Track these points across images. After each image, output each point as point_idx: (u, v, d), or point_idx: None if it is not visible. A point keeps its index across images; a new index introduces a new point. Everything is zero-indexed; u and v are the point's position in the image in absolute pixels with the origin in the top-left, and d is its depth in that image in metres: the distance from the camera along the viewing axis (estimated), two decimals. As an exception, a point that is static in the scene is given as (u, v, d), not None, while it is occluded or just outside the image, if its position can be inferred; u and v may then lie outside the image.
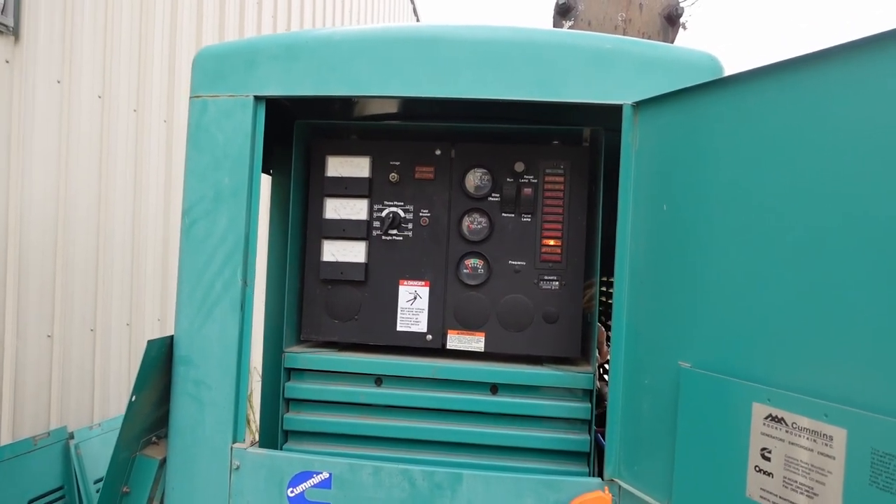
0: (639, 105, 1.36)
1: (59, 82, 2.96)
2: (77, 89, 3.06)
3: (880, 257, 0.90)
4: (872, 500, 0.88)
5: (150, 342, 1.43)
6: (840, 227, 0.96)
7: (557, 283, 1.60)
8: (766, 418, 1.04)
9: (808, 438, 0.97)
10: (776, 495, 1.02)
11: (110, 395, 3.40)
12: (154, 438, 1.58)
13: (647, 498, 1.29)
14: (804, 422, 0.98)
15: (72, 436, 3.03)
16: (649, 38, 2.03)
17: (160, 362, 1.48)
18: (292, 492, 1.42)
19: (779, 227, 1.05)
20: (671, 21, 2.01)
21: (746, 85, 1.11)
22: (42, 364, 2.95)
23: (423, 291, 1.63)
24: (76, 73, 3.05)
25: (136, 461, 1.53)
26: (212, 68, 1.52)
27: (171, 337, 1.51)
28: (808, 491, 0.97)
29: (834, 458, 0.93)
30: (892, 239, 0.89)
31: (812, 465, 0.96)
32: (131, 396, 1.42)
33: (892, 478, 0.85)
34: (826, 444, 0.94)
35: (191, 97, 1.53)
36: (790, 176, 1.03)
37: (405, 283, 1.64)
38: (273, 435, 1.68)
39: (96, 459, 3.10)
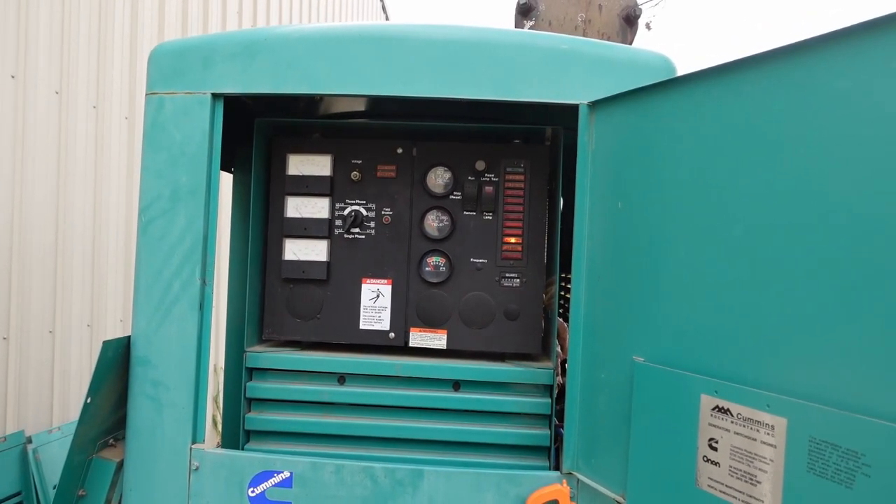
0: (594, 105, 1.39)
1: (13, 77, 2.88)
2: (33, 84, 2.98)
3: (819, 253, 0.94)
4: (810, 486, 0.91)
5: (105, 343, 1.41)
6: (780, 224, 0.99)
7: (518, 280, 1.62)
8: (714, 409, 1.07)
9: (751, 428, 1.00)
10: (723, 484, 1.05)
11: (70, 398, 3.33)
12: (111, 441, 1.56)
13: (603, 490, 1.32)
14: (748, 412, 1.01)
15: (30, 440, 2.96)
16: (608, 38, 2.07)
17: (117, 363, 1.46)
18: (253, 492, 1.42)
19: (724, 224, 1.08)
20: (629, 22, 2.05)
21: (694, 85, 1.14)
22: (-2, 367, 2.87)
23: (386, 289, 1.64)
24: (31, 67, 2.97)
25: (92, 463, 1.50)
26: (168, 65, 1.50)
27: (129, 337, 1.49)
28: (751, 479, 1.00)
29: (775, 447, 0.97)
30: (826, 235, 0.93)
31: (755, 454, 1.00)
32: (86, 398, 1.40)
33: (828, 464, 0.89)
34: (768, 434, 0.98)
35: (147, 94, 1.50)
36: (734, 174, 1.07)
37: (368, 281, 1.64)
38: (235, 435, 1.67)
39: (55, 464, 3.03)
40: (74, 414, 3.33)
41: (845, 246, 0.91)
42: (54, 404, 3.22)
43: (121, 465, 1.51)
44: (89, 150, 3.38)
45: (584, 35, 2.08)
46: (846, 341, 0.90)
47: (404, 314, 1.63)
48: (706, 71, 1.12)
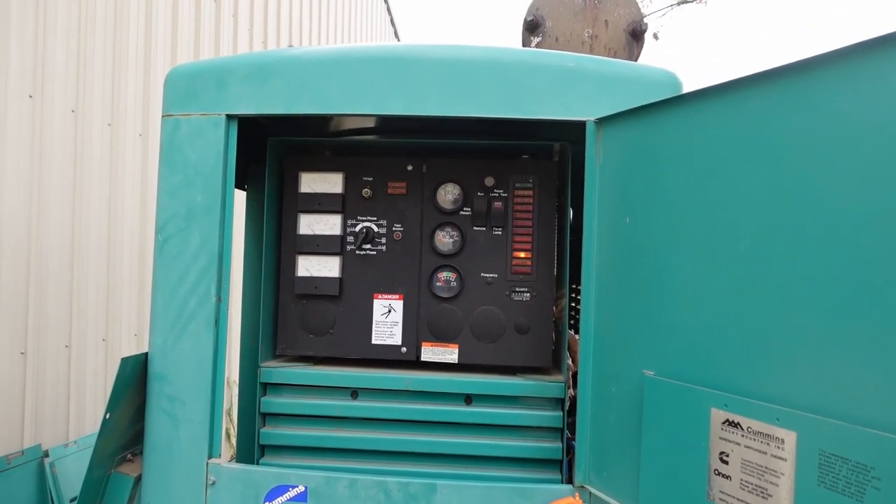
0: (601, 121, 1.41)
1: (30, 96, 2.95)
2: (50, 103, 3.05)
3: (825, 266, 0.95)
4: (821, 499, 0.92)
5: (123, 359, 1.44)
6: (785, 237, 1.01)
7: (528, 294, 1.63)
8: (724, 423, 1.08)
9: (761, 442, 1.01)
10: (734, 497, 1.06)
11: (86, 412, 3.37)
12: (129, 456, 1.58)
13: (615, 503, 1.32)
14: (758, 426, 1.02)
15: (46, 454, 2.99)
16: (615, 53, 2.09)
17: (134, 379, 1.49)
18: (268, 506, 1.43)
19: (730, 238, 1.09)
20: (636, 36, 2.08)
21: (698, 103, 1.16)
22: (15, 381, 2.92)
23: (398, 305, 1.66)
24: (48, 86, 3.04)
25: (111, 478, 1.53)
26: (183, 87, 1.54)
27: (146, 354, 1.52)
28: (762, 492, 1.01)
29: (785, 460, 0.97)
30: (832, 248, 0.94)
31: (766, 468, 1.01)
32: (105, 413, 1.43)
33: (838, 478, 0.90)
34: (778, 447, 0.99)
35: (163, 116, 1.54)
36: (739, 189, 1.08)
37: (379, 296, 1.67)
38: (250, 450, 1.69)
39: (72, 477, 3.06)
40: (90, 427, 3.37)
41: (851, 259, 0.92)
42: (70, 418, 3.26)
43: (138, 479, 1.53)
44: (104, 166, 3.45)
45: (590, 50, 2.10)
46: (854, 354, 0.91)
47: (416, 329, 1.65)
48: (710, 89, 1.14)
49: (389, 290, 1.66)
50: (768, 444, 1.00)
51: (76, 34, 3.21)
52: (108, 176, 3.48)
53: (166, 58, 3.98)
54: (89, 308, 3.36)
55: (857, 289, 0.91)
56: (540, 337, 1.63)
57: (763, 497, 1.00)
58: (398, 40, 11.80)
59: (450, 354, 1.64)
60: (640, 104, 1.31)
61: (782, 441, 0.98)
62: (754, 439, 1.02)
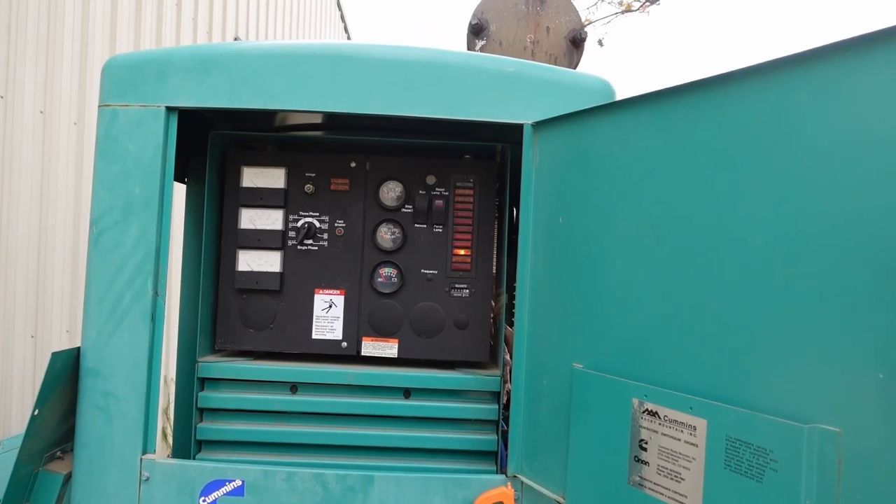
0: (538, 125, 1.47)
1: (-45, 81, 2.80)
2: (-24, 89, 2.91)
3: (731, 268, 1.03)
4: (727, 481, 1.00)
5: (54, 354, 1.40)
6: (699, 243, 1.08)
7: (468, 290, 1.68)
8: (644, 412, 1.15)
9: (676, 429, 1.09)
10: (651, 482, 1.13)
11: (12, 412, 3.22)
12: (59, 453, 1.54)
13: (545, 491, 1.38)
14: (673, 414, 1.09)
15: (-32, 455, 2.85)
16: (556, 59, 2.17)
17: (66, 374, 1.45)
18: (204, 500, 1.43)
19: (653, 242, 1.17)
20: (576, 44, 2.16)
21: (626, 111, 1.23)
22: (-65, 380, 2.77)
23: (339, 300, 1.68)
24: (-25, 72, 2.89)
25: (38, 476, 1.48)
26: (122, 77, 1.51)
27: (78, 348, 1.48)
28: (676, 476, 1.08)
29: (697, 446, 1.05)
30: (736, 254, 1.02)
31: (679, 453, 1.08)
32: (34, 410, 1.39)
33: (742, 461, 0.98)
34: (691, 434, 1.06)
35: (100, 106, 1.51)
36: (661, 193, 1.15)
37: (320, 291, 1.68)
38: (186, 445, 1.68)
39: (-4, 479, 2.93)
40: (16, 428, 3.23)
41: (752, 262, 1.00)
42: (-5, 418, 3.12)
43: (68, 477, 1.49)
44: (36, 155, 3.30)
45: (532, 56, 2.17)
46: (755, 348, 0.99)
47: (357, 324, 1.67)
48: (637, 98, 1.21)
49: (331, 285, 1.68)
50: (682, 431, 1.08)
51: (6, 15, 3.07)
52: (39, 165, 3.33)
53: (104, 45, 3.84)
54: (17, 303, 3.22)
55: (758, 286, 0.99)
56: (478, 332, 1.67)
57: (677, 481, 1.08)
58: (349, 38, 11.71)
59: (390, 349, 1.67)
60: (575, 110, 1.38)
61: (694, 428, 1.06)
62: (670, 427, 1.10)
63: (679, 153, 1.13)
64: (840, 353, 0.89)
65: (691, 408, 1.06)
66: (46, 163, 3.38)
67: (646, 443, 1.14)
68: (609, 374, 1.24)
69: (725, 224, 1.04)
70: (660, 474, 1.11)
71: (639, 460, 1.16)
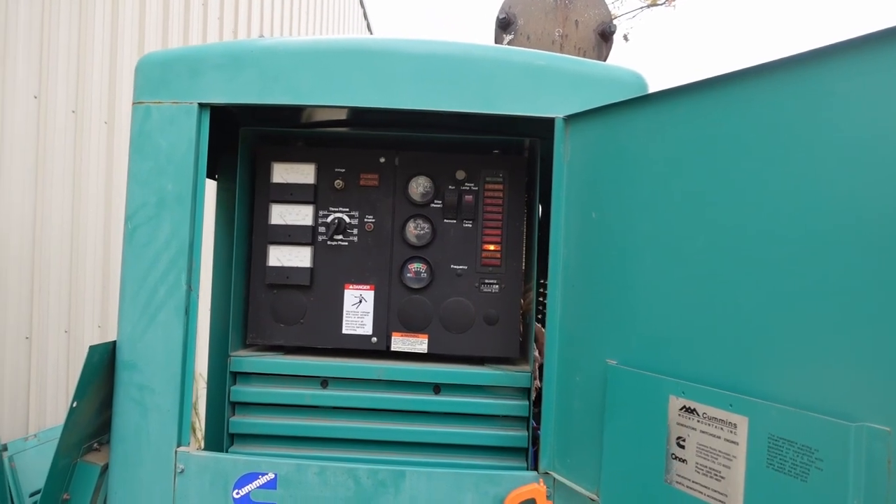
0: (569, 119, 1.45)
1: (-8, 82, 2.87)
2: (11, 89, 2.97)
3: (768, 263, 1.01)
4: (769, 480, 0.98)
5: (91, 347, 1.43)
6: (736, 235, 1.06)
7: (497, 286, 1.67)
8: (682, 409, 1.13)
9: (715, 426, 1.07)
10: (690, 480, 1.11)
11: (47, 405, 3.30)
12: (95, 445, 1.57)
13: (578, 488, 1.37)
14: (713, 412, 1.07)
15: (5, 447, 2.92)
16: (585, 53, 2.14)
17: (102, 368, 1.48)
18: (238, 493, 1.44)
19: (689, 234, 1.15)
20: (605, 37, 2.13)
21: (662, 103, 1.20)
22: (-27, 373, 2.85)
23: (368, 295, 1.68)
24: (10, 72, 2.96)
25: (76, 468, 1.51)
26: (155, 75, 1.53)
27: (114, 342, 1.51)
28: (716, 475, 1.06)
29: (738, 444, 1.03)
30: (776, 246, 0.99)
31: (719, 451, 1.06)
32: (72, 402, 1.41)
33: (785, 459, 0.95)
34: (731, 432, 1.04)
35: (134, 103, 1.53)
36: (698, 187, 1.13)
37: (350, 286, 1.68)
38: (219, 439, 1.69)
39: (31, 472, 3.00)
40: (51, 421, 3.31)
41: (798, 255, 0.97)
42: (30, 411, 3.19)
43: (105, 468, 1.52)
44: (68, 154, 3.37)
45: (561, 49, 2.15)
46: (799, 344, 0.97)
47: (386, 319, 1.68)
48: (673, 90, 1.18)
49: (360, 280, 1.68)
50: (722, 428, 1.06)
51: (39, 18, 3.13)
52: (71, 164, 3.40)
53: (133, 45, 3.90)
54: (51, 299, 3.29)
55: (805, 284, 0.96)
56: (508, 328, 1.66)
57: (717, 479, 1.06)
58: (371, 34, 11.74)
59: (419, 344, 1.67)
60: (607, 103, 1.36)
61: (735, 426, 1.03)
62: (710, 425, 1.08)
63: (716, 146, 1.11)
64: (890, 349, 0.86)
65: (731, 405, 1.04)
66: (78, 161, 3.45)
67: (683, 440, 1.12)
68: (644, 370, 1.22)
69: (765, 217, 1.02)
70: (698, 472, 1.09)
71: (676, 458, 1.14)
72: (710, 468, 1.07)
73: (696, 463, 1.10)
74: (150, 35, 4.07)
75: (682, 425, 1.13)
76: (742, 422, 1.02)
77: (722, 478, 1.05)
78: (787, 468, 0.95)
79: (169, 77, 1.52)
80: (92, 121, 3.54)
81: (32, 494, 2.96)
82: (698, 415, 1.10)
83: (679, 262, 1.16)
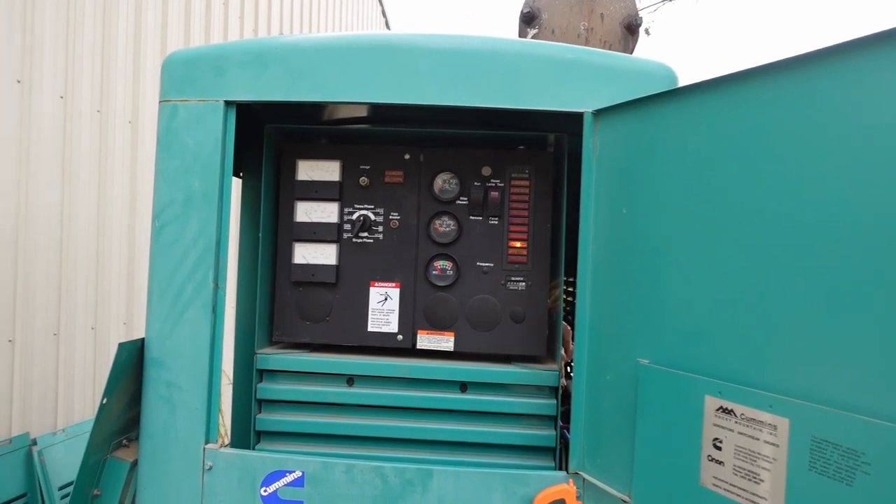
0: (598, 113, 1.42)
1: (18, 82, 2.91)
2: (38, 89, 3.01)
3: (815, 257, 0.97)
4: (811, 484, 0.95)
5: (121, 344, 1.43)
6: (779, 229, 1.03)
7: (524, 283, 1.65)
8: (718, 410, 1.10)
9: (754, 428, 1.04)
10: (727, 482, 1.08)
11: (75, 400, 3.35)
12: (125, 441, 1.58)
13: (609, 489, 1.35)
14: (751, 412, 1.04)
15: (34, 442, 2.98)
16: (610, 46, 2.11)
17: (131, 365, 1.49)
18: (265, 491, 1.44)
19: (725, 230, 1.11)
20: (631, 30, 2.09)
21: (696, 95, 1.17)
22: (3, 369, 2.89)
23: (394, 293, 1.67)
24: (37, 72, 3.00)
25: (106, 463, 1.53)
26: (181, 73, 1.53)
27: (142, 339, 1.52)
28: (755, 477, 1.04)
29: (778, 446, 1.00)
30: (823, 240, 0.96)
31: (758, 453, 1.03)
32: (102, 399, 1.42)
33: (829, 463, 0.92)
34: (771, 433, 1.01)
35: (160, 101, 1.53)
36: (735, 180, 1.10)
37: (376, 284, 1.67)
38: (245, 436, 1.70)
39: (60, 465, 3.05)
40: (79, 416, 3.36)
41: (842, 250, 0.94)
42: (59, 406, 3.24)
43: (134, 464, 1.53)
44: (93, 153, 3.41)
45: (586, 43, 2.11)
46: (845, 343, 0.93)
47: (412, 317, 1.66)
48: (707, 82, 1.15)
49: (386, 277, 1.67)
50: (761, 430, 1.03)
51: (65, 19, 3.17)
52: (97, 163, 3.44)
53: (156, 44, 3.94)
54: (78, 296, 3.33)
55: (848, 279, 0.93)
56: (535, 326, 1.64)
57: (755, 482, 1.03)
58: (388, 29, 11.74)
59: (445, 342, 1.66)
60: (636, 97, 1.33)
61: (775, 427, 1.01)
62: (747, 426, 1.05)
63: (754, 139, 1.08)
64: (943, 349, 0.83)
65: (771, 406, 1.01)
66: (103, 161, 3.49)
67: (720, 441, 1.09)
68: (677, 369, 1.20)
69: (808, 211, 0.99)
70: (736, 475, 1.07)
71: (712, 459, 1.11)
72: (748, 471, 1.05)
73: (734, 465, 1.07)
74: (172, 34, 4.10)
75: (718, 426, 1.10)
76: (783, 423, 0.99)
77: (761, 481, 1.02)
78: (830, 472, 0.92)
79: (195, 75, 1.52)
80: (116, 120, 3.58)
81: (61, 488, 3.01)
82: (736, 416, 1.07)
83: (715, 257, 1.13)
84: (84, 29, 3.30)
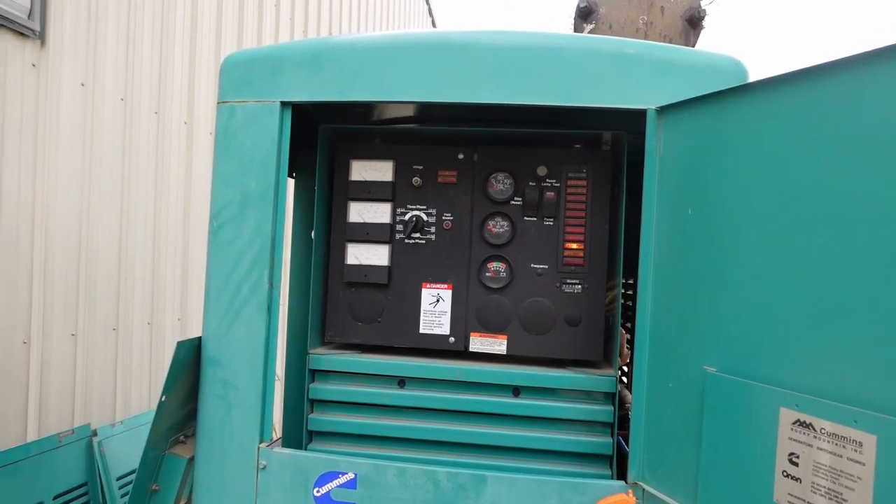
0: (663, 110, 1.37)
1: (83, 85, 3.02)
2: (101, 92, 3.12)
3: (911, 264, 0.90)
4: (903, 506, 0.88)
5: (179, 343, 1.46)
6: (864, 231, 0.96)
7: (580, 286, 1.60)
8: (794, 423, 1.04)
9: (836, 444, 0.97)
10: (804, 500, 1.02)
11: (132, 393, 3.46)
12: (182, 437, 1.61)
13: (671, 501, 1.29)
14: (833, 427, 0.98)
15: (95, 433, 3.08)
16: (671, 40, 2.03)
17: (189, 363, 1.51)
18: (318, 492, 1.44)
19: (804, 232, 1.05)
20: (693, 24, 2.01)
21: (770, 91, 1.11)
22: (66, 363, 3.01)
23: (446, 294, 1.65)
24: (100, 76, 3.10)
25: (164, 459, 1.56)
26: (238, 75, 1.54)
27: (200, 338, 1.54)
28: (836, 496, 0.97)
29: (864, 465, 0.93)
30: (923, 246, 0.89)
31: (841, 471, 0.97)
32: (161, 397, 1.45)
33: (923, 485, 0.85)
34: (855, 451, 0.95)
35: (218, 103, 1.55)
36: (814, 181, 1.03)
37: (428, 285, 1.66)
38: (298, 436, 1.71)
39: (119, 456, 3.15)
40: (136, 408, 3.47)
41: (942, 257, 0.87)
42: (117, 399, 3.35)
43: (191, 461, 1.56)
44: (151, 154, 3.51)
45: (645, 37, 2.04)
46: (943, 357, 0.86)
47: (464, 319, 1.64)
48: (785, 76, 1.09)
49: (438, 279, 1.65)
50: (844, 447, 0.96)
51: (125, 24, 3.27)
52: (154, 164, 3.54)
53: (211, 48, 4.03)
54: (136, 293, 3.44)
55: (948, 286, 0.86)
56: (591, 330, 1.60)
57: (838, 501, 0.96)
58: (435, 27, 11.76)
59: (498, 345, 1.63)
60: (702, 92, 1.27)
61: (860, 444, 0.94)
62: (828, 441, 0.98)
63: (836, 136, 1.01)
64: None
65: (856, 421, 0.95)
66: (160, 161, 3.59)
67: (797, 457, 1.03)
68: (748, 379, 1.13)
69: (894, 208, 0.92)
70: (815, 493, 1.00)
71: (788, 476, 1.05)
72: (829, 489, 0.98)
73: (813, 482, 1.01)
74: (226, 37, 4.19)
75: (794, 440, 1.04)
76: (869, 440, 0.93)
77: (844, 500, 0.96)
78: (925, 495, 0.85)
79: (252, 76, 1.53)
80: (172, 121, 3.68)
81: (119, 478, 3.12)
82: (815, 430, 1.00)
83: (792, 260, 1.07)
84: (143, 33, 3.39)
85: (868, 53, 0.96)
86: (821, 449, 1.00)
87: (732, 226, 1.19)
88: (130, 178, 3.35)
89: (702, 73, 1.39)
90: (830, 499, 0.98)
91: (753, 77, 1.33)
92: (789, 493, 1.04)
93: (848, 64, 0.99)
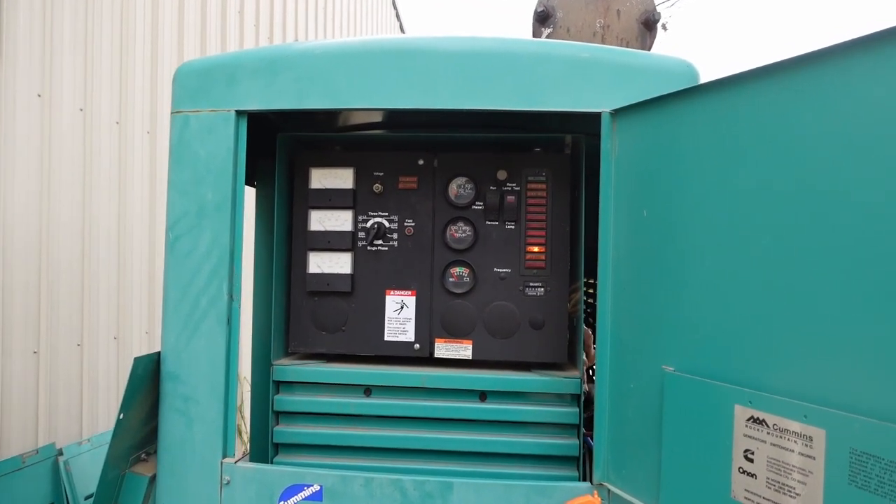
0: (616, 113, 1.38)
1: (39, 96, 2.94)
2: (58, 102, 3.05)
3: (850, 258, 0.92)
4: (851, 498, 0.90)
5: (136, 359, 1.43)
6: (812, 230, 0.98)
7: (542, 289, 1.61)
8: (748, 420, 1.05)
9: (788, 439, 0.99)
10: (760, 496, 1.03)
11: (99, 410, 3.38)
12: (143, 455, 1.57)
13: (635, 501, 1.30)
14: (785, 423, 0.99)
15: (60, 452, 3.01)
16: (628, 43, 2.06)
17: (147, 379, 1.48)
18: (283, 505, 1.42)
19: (753, 231, 1.07)
20: (648, 26, 2.04)
21: (718, 92, 1.13)
22: (28, 380, 2.93)
23: (410, 301, 1.64)
24: (56, 86, 3.03)
25: (125, 478, 1.52)
26: (193, 84, 1.52)
27: (158, 353, 1.51)
28: (790, 491, 0.98)
29: (814, 459, 0.95)
30: (858, 241, 0.91)
31: (793, 466, 0.98)
32: (119, 414, 1.42)
33: (871, 476, 0.87)
34: (806, 445, 0.96)
35: (172, 113, 1.53)
36: (761, 180, 1.05)
37: (392, 292, 1.65)
38: (264, 448, 1.68)
39: (86, 475, 3.08)
40: (103, 425, 3.39)
41: (883, 252, 0.89)
42: (83, 416, 3.27)
43: (153, 479, 1.52)
44: (113, 164, 3.44)
45: (602, 41, 2.07)
46: (887, 350, 0.88)
47: (429, 325, 1.63)
48: (733, 77, 1.11)
49: (402, 286, 1.65)
50: (795, 441, 0.98)
51: (83, 33, 3.20)
52: (116, 174, 3.47)
53: (173, 55, 3.97)
54: (100, 307, 3.37)
55: (892, 283, 0.88)
56: (555, 332, 1.60)
57: (791, 496, 0.98)
58: (403, 33, 11.75)
59: (463, 351, 1.62)
60: (656, 95, 1.28)
61: (810, 439, 0.95)
62: (781, 437, 1.00)
63: (782, 135, 1.03)
64: None
65: (806, 416, 0.96)
66: (123, 172, 3.52)
67: (752, 453, 1.04)
68: (704, 377, 1.15)
69: (843, 211, 0.93)
70: (769, 488, 1.02)
71: (744, 472, 1.06)
72: (783, 484, 1.00)
73: (767, 478, 1.02)
74: (188, 44, 4.13)
75: (749, 437, 1.05)
76: (819, 434, 0.94)
77: (797, 494, 0.97)
78: (872, 486, 0.87)
79: (206, 85, 1.51)
80: (135, 131, 3.61)
81: (87, 497, 3.04)
82: (768, 426, 1.02)
83: (743, 260, 1.09)
84: (102, 42, 3.33)
85: (809, 55, 0.98)
86: (774, 445, 1.01)
87: (685, 227, 1.20)
88: (92, 190, 3.27)
89: (654, 76, 1.41)
90: (784, 493, 0.99)
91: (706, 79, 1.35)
92: (746, 489, 1.06)
93: (790, 65, 1.01)
